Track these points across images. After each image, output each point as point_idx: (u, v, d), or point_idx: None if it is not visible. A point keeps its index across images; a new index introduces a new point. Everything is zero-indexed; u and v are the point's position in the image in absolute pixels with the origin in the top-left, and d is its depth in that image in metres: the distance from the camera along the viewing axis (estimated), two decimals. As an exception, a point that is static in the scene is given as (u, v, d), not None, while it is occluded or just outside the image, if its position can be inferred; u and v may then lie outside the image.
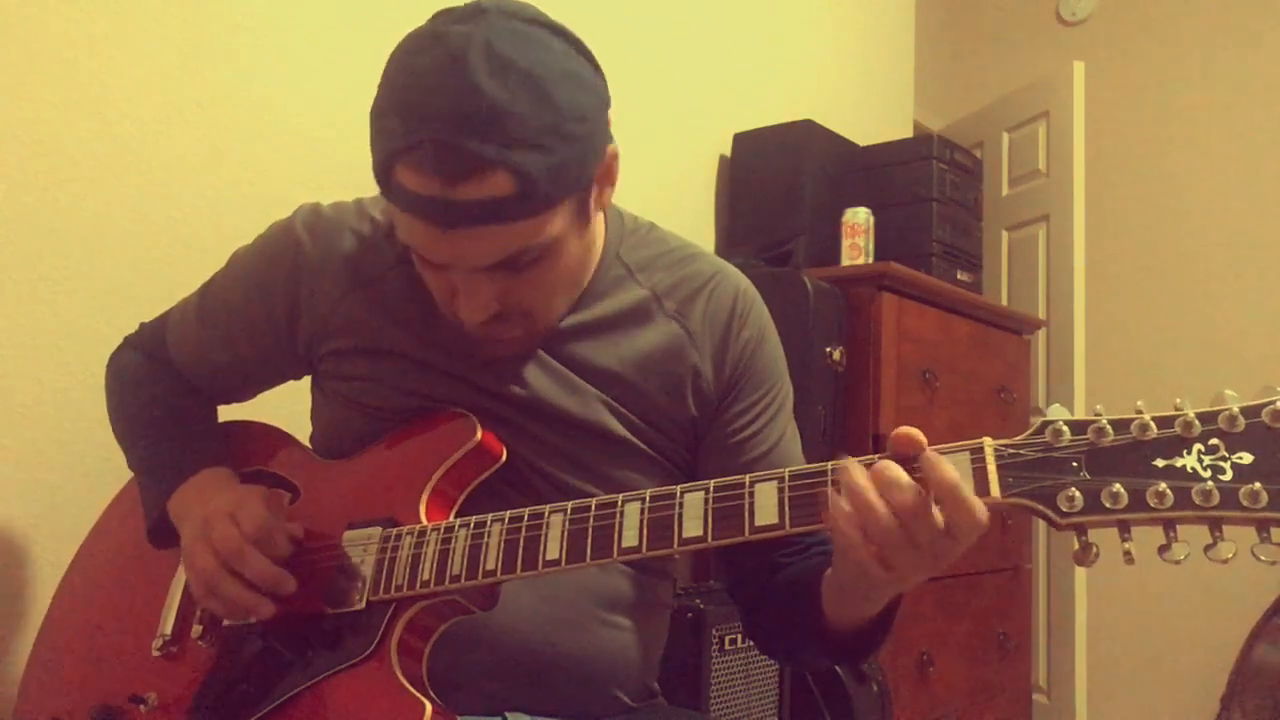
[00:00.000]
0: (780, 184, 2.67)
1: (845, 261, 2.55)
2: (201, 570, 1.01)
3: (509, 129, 0.87)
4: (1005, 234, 3.67)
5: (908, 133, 3.57)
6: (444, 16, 0.93)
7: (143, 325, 1.33)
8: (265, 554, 1.00)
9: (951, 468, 0.76)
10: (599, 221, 1.12)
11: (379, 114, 0.93)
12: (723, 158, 2.84)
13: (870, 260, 2.54)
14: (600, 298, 1.12)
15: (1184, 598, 3.72)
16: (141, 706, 1.07)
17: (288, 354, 1.18)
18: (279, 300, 1.15)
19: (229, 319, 1.19)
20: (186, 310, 1.26)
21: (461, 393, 1.09)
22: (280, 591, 1.00)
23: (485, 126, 0.86)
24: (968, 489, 0.76)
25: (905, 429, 0.81)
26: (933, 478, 0.77)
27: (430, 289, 1.04)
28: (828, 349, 2.24)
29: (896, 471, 0.78)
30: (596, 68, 0.98)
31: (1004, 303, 3.54)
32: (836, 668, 2.07)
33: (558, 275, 1.02)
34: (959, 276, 2.71)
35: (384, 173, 0.92)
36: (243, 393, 1.29)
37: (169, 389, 1.25)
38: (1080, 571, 3.32)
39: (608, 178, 1.03)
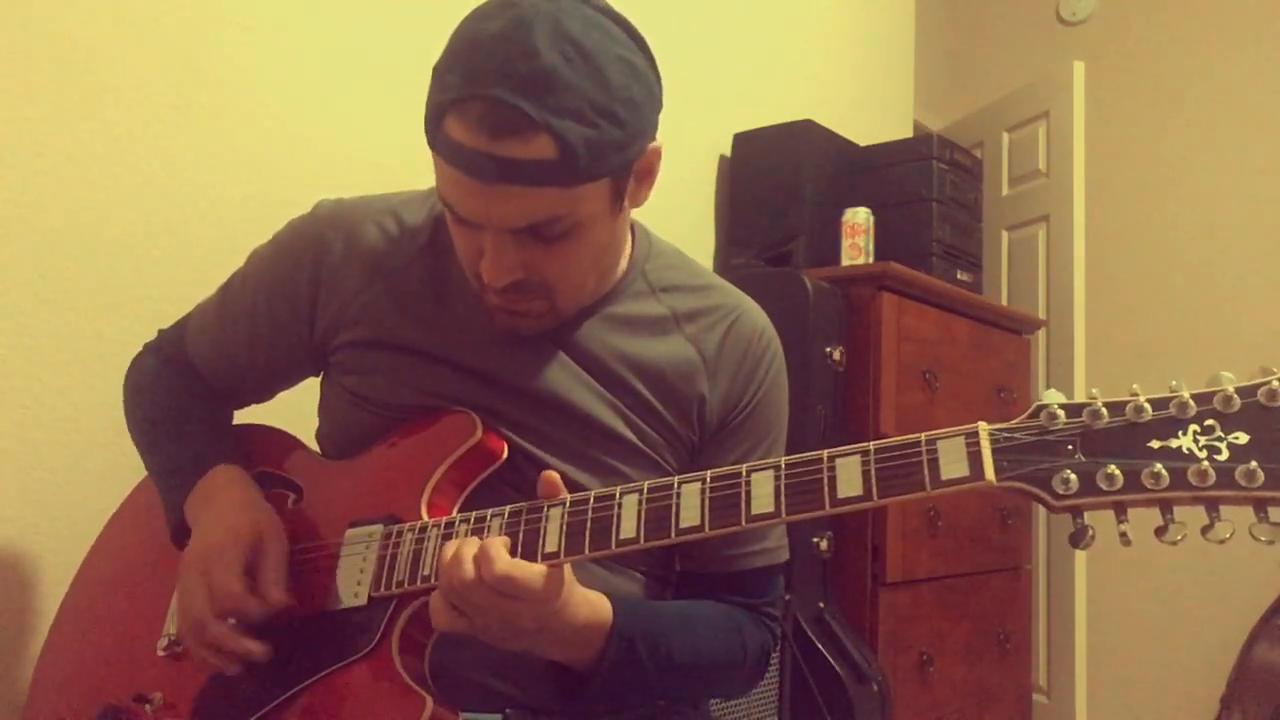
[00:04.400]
0: (780, 184, 2.67)
1: (845, 261, 2.55)
2: (180, 620, 1.05)
3: (559, 96, 0.89)
4: (1005, 234, 3.67)
5: (908, 133, 3.58)
6: None
7: (161, 332, 1.34)
8: (240, 620, 1.00)
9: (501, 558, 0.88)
10: (627, 231, 1.14)
11: (439, 70, 0.95)
12: (723, 158, 2.85)
13: (870, 260, 2.54)
14: (620, 305, 1.14)
15: (1184, 598, 3.72)
16: (147, 706, 1.07)
17: (308, 347, 1.18)
18: (302, 293, 1.15)
19: (252, 316, 1.20)
20: (205, 312, 1.26)
21: (471, 386, 1.10)
22: (249, 660, 1.00)
23: (536, 89, 0.89)
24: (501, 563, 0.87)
25: (549, 475, 0.94)
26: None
27: (459, 252, 1.05)
28: (828, 349, 2.24)
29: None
30: (654, 68, 1.01)
31: (1004, 303, 3.54)
32: (837, 668, 2.07)
33: (583, 256, 1.03)
34: (959, 276, 2.72)
35: (434, 124, 0.94)
36: (262, 391, 1.29)
37: (186, 392, 1.25)
38: (1080, 572, 3.32)
39: (648, 175, 1.05)
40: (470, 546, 0.89)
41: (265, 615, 1.01)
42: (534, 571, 0.88)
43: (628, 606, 1.01)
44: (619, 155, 0.96)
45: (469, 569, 0.87)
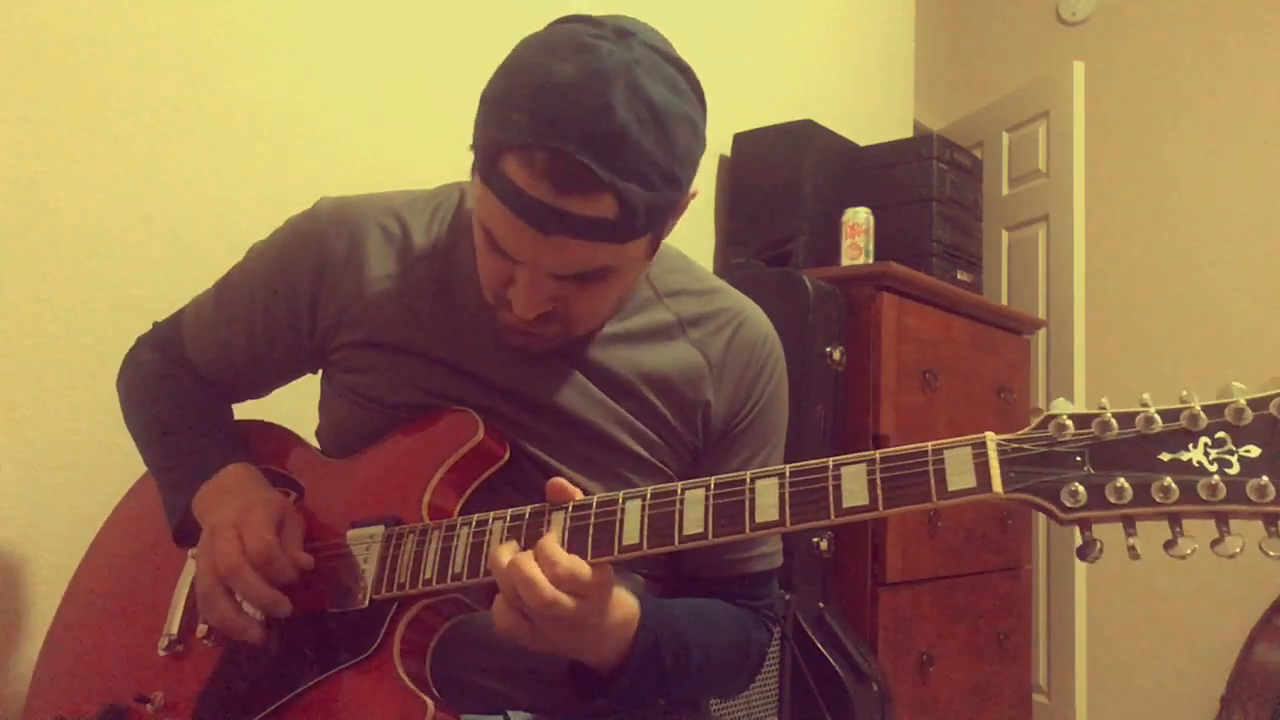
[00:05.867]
0: (780, 184, 2.67)
1: (845, 261, 2.55)
2: (200, 582, 1.02)
3: (628, 158, 0.89)
4: (1005, 234, 3.67)
5: (908, 133, 3.57)
6: (588, 27, 0.93)
7: (156, 324, 1.32)
8: (267, 575, 0.99)
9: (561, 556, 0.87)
10: None
11: (503, 100, 0.92)
12: (723, 158, 2.84)
13: (870, 260, 2.54)
14: (626, 313, 1.13)
15: (1184, 598, 3.72)
16: (148, 706, 1.07)
17: (306, 346, 1.18)
18: (302, 292, 1.15)
19: (249, 312, 1.19)
20: (203, 306, 1.26)
21: (473, 390, 1.09)
22: (275, 614, 1.00)
23: (609, 149, 0.88)
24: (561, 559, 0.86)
25: (557, 481, 0.93)
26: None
27: (483, 273, 1.04)
28: (828, 349, 2.24)
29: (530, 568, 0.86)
30: (705, 110, 1.00)
31: (1004, 303, 3.54)
32: (837, 668, 2.07)
33: (614, 295, 1.05)
34: (959, 276, 2.71)
35: (490, 159, 0.92)
36: (260, 388, 1.29)
37: (186, 387, 1.25)
38: (1080, 572, 3.32)
39: (680, 212, 1.05)
40: (525, 554, 0.88)
41: (291, 576, 1.00)
42: (589, 569, 0.87)
43: (651, 604, 1.01)
44: (671, 213, 0.99)
45: (533, 571, 0.86)
